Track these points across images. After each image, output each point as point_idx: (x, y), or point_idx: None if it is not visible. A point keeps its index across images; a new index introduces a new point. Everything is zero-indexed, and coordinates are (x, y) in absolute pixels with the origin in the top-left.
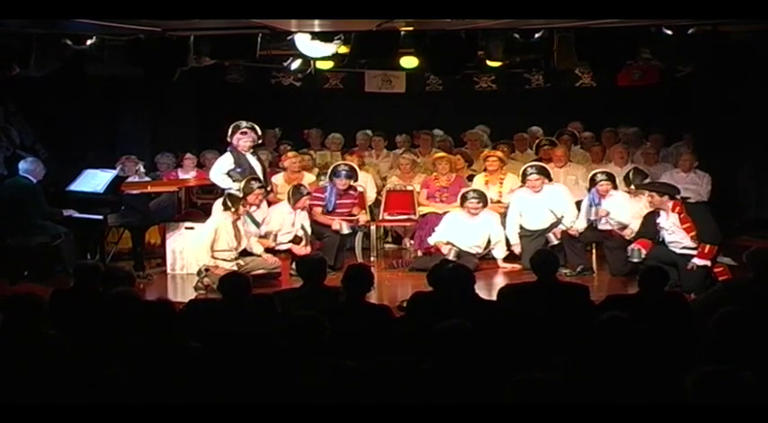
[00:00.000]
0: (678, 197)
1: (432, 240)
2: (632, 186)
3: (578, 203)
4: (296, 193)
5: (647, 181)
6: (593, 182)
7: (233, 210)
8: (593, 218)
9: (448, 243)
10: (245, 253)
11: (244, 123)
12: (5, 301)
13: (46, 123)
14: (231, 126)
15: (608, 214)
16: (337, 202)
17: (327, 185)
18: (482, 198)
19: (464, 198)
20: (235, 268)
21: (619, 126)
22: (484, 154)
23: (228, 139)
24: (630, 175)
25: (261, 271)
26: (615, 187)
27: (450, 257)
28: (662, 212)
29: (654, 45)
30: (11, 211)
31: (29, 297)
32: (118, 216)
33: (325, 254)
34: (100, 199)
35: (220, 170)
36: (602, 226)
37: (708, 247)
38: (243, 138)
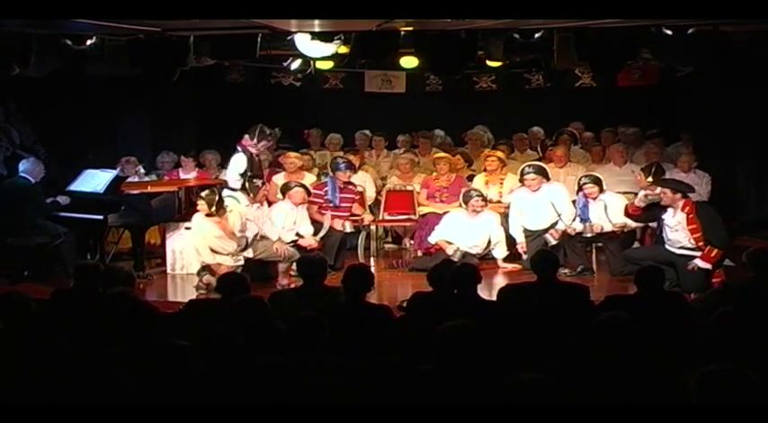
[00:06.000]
0: (690, 197)
1: (432, 239)
2: (650, 179)
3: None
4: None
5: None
6: (580, 188)
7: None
8: (587, 234)
9: (451, 243)
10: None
11: (268, 130)
12: None
13: (46, 123)
14: (257, 131)
15: (602, 229)
16: (340, 195)
17: (327, 180)
18: (484, 197)
19: (468, 196)
20: (240, 263)
21: (619, 126)
22: (484, 154)
23: (246, 142)
24: (653, 169)
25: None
26: (602, 190)
27: (455, 258)
28: (670, 209)
29: (654, 45)
30: (11, 212)
31: (14, 296)
32: (118, 216)
33: (326, 254)
34: (100, 199)
35: (237, 170)
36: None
37: (715, 250)
38: (267, 144)
